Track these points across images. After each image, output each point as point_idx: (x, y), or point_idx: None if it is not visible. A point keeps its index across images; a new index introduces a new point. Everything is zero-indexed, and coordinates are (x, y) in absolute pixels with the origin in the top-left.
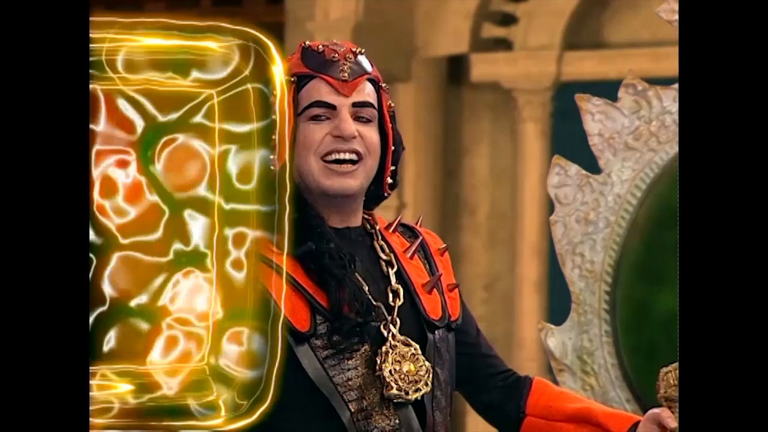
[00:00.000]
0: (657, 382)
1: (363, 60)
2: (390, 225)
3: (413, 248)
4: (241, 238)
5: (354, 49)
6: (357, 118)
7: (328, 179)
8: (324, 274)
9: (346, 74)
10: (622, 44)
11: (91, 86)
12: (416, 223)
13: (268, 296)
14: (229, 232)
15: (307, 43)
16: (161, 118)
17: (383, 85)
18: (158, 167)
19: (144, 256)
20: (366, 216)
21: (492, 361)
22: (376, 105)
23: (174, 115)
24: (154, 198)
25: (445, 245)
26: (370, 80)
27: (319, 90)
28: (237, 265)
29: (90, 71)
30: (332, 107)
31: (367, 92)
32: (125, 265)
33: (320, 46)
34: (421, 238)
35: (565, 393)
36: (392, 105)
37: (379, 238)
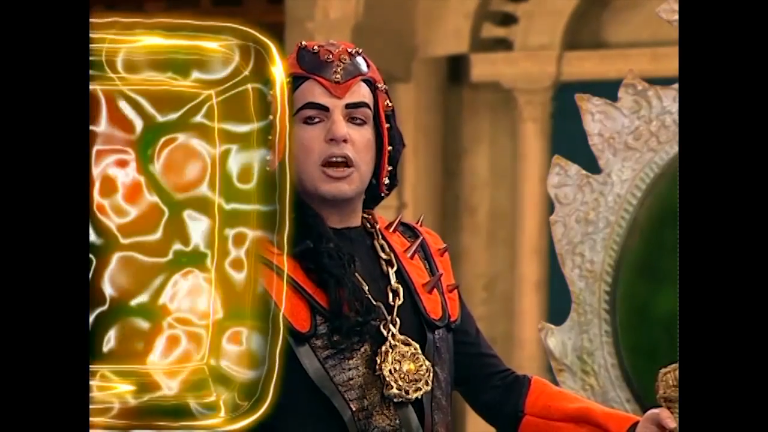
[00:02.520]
0: (656, 382)
1: (359, 61)
2: (390, 224)
3: (413, 248)
4: (241, 238)
5: (350, 50)
6: (350, 120)
7: (325, 184)
8: (323, 273)
9: (339, 75)
10: (622, 44)
11: (91, 87)
12: (417, 223)
13: (268, 297)
14: (230, 232)
15: (304, 43)
16: (160, 118)
17: (380, 86)
18: (157, 167)
19: (144, 257)
20: (366, 215)
21: (491, 360)
22: (371, 106)
23: (174, 115)
24: (153, 198)
25: (445, 245)
26: (366, 81)
27: (312, 91)
28: (237, 265)
29: (90, 72)
30: (325, 109)
31: (361, 93)
32: (125, 265)
33: (316, 47)
34: (421, 237)
35: (564, 392)
36: (390, 105)
37: (379, 237)
